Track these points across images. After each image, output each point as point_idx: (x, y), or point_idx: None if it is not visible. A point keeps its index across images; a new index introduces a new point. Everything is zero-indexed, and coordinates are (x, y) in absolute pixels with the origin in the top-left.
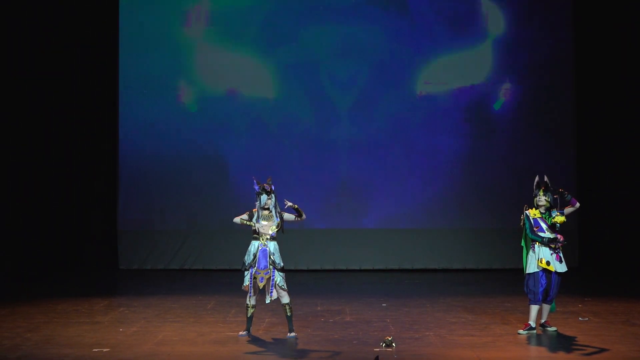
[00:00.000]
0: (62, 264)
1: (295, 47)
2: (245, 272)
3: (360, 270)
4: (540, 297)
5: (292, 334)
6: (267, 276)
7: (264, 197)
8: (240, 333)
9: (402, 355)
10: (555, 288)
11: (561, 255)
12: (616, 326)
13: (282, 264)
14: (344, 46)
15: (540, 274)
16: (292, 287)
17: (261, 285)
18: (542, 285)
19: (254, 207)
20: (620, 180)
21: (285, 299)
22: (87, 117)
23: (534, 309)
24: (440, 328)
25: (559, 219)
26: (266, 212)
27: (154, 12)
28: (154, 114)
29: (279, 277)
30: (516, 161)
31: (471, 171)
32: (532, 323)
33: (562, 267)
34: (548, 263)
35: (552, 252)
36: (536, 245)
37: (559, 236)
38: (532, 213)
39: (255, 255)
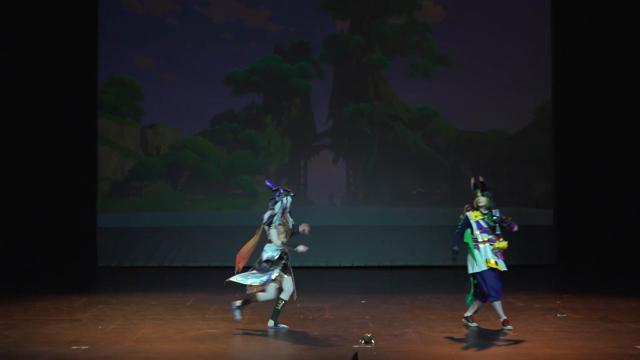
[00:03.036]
0: (41, 261)
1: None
2: (270, 272)
3: (340, 267)
4: (500, 294)
5: (278, 326)
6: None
7: (289, 199)
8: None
9: (381, 352)
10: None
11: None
12: (594, 322)
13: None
14: None
15: (489, 271)
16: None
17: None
18: (497, 279)
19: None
20: (598, 176)
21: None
22: (67, 114)
23: (498, 305)
24: (419, 325)
25: (502, 244)
26: (287, 214)
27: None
28: None
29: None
30: (497, 159)
31: (451, 168)
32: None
33: (504, 266)
34: (496, 262)
35: (494, 251)
36: (481, 246)
37: (512, 224)
38: (474, 215)
39: (279, 258)
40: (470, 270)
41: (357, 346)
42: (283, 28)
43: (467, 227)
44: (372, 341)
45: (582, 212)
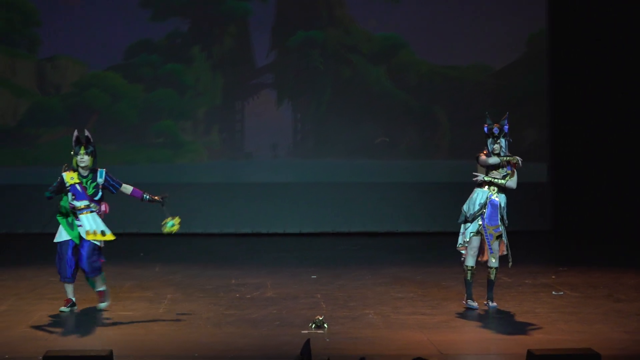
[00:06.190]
0: None
1: None
2: (467, 225)
3: (285, 235)
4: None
5: (494, 304)
6: (497, 234)
7: (490, 141)
8: (469, 303)
9: (336, 339)
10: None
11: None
12: (597, 302)
13: (507, 222)
14: None
15: (85, 243)
16: (199, 255)
17: (492, 242)
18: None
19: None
20: (605, 123)
21: (497, 262)
22: None
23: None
24: (382, 305)
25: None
26: (496, 158)
27: None
28: None
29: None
30: (478, 101)
31: (422, 111)
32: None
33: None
34: (103, 233)
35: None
36: (82, 215)
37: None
38: (69, 177)
39: (483, 207)
40: (56, 240)
41: (306, 332)
42: None
43: (64, 191)
44: (325, 325)
45: (583, 168)
